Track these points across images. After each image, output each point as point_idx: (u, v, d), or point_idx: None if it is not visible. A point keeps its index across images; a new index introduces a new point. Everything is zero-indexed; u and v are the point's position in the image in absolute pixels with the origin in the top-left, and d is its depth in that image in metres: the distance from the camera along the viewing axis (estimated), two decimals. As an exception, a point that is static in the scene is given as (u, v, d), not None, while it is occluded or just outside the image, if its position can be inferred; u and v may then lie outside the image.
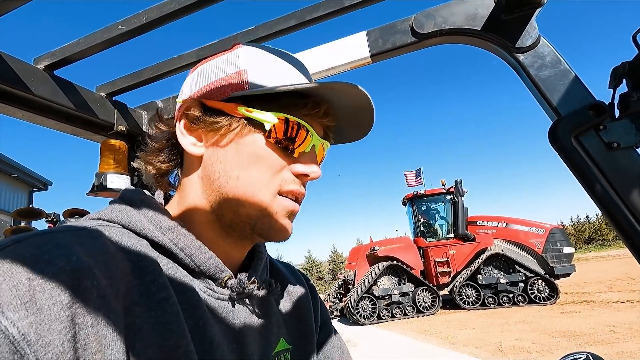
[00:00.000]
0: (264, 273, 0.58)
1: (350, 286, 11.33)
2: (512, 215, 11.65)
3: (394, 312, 10.54)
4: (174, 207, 0.53)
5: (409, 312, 10.56)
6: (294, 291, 0.63)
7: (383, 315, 10.44)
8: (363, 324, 10.15)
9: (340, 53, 1.00)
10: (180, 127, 0.51)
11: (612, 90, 0.75)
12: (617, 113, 0.74)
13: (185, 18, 0.85)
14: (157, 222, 0.46)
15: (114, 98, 1.13)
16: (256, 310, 0.52)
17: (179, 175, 0.56)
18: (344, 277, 12.38)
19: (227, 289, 0.49)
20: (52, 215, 3.35)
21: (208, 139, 0.50)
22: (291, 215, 0.50)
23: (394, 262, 10.89)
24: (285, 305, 0.60)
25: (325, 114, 0.50)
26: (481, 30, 0.86)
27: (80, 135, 1.08)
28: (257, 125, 0.47)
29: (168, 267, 0.45)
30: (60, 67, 0.95)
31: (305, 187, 0.52)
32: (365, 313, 10.35)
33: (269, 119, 0.46)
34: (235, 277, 0.50)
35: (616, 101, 0.75)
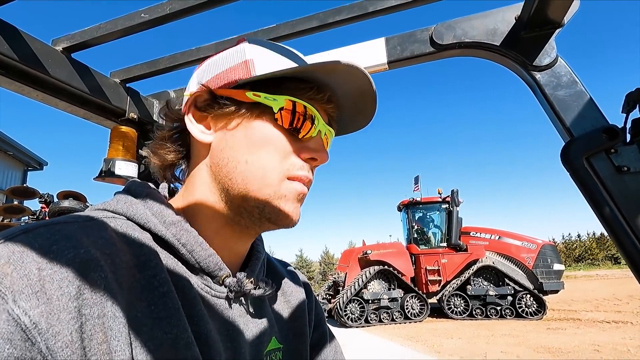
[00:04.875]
0: (261, 272, 0.58)
1: (340, 288, 11.35)
2: (505, 229, 11.74)
3: (381, 316, 10.58)
4: (179, 200, 0.53)
5: (396, 318, 10.60)
6: (290, 290, 0.64)
7: (371, 319, 10.47)
8: (350, 327, 10.17)
9: (357, 57, 1.01)
10: (189, 116, 0.51)
11: (625, 114, 0.77)
12: (628, 137, 0.76)
13: (207, 13, 0.86)
14: (162, 216, 0.46)
15: (127, 85, 1.13)
16: (251, 309, 0.53)
17: (185, 169, 0.57)
18: (335, 278, 12.40)
19: (225, 287, 0.49)
20: (46, 195, 3.33)
21: (217, 126, 0.50)
22: (300, 199, 0.50)
23: (385, 267, 10.92)
24: (279, 304, 0.60)
25: (329, 100, 0.51)
26: (500, 46, 0.87)
27: (91, 119, 1.08)
28: (265, 109, 0.48)
29: (168, 261, 0.45)
30: (78, 50, 0.94)
31: (313, 173, 0.52)
32: (354, 316, 10.37)
33: (277, 102, 0.47)
34: (234, 275, 0.50)
35: (628, 125, 0.76)
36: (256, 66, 0.49)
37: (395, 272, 10.89)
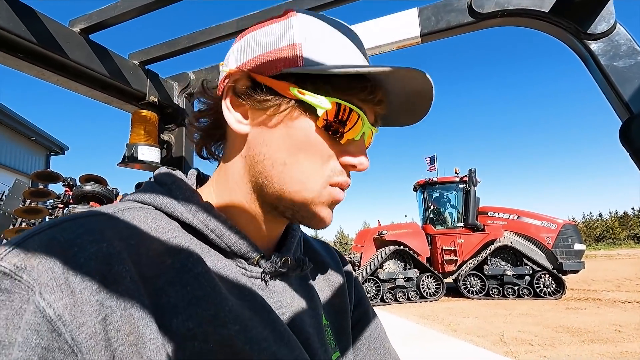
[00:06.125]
0: (298, 251, 0.57)
1: (356, 268, 11.46)
2: (524, 209, 11.51)
3: (397, 295, 10.68)
4: (210, 187, 0.52)
5: (412, 297, 10.68)
6: (328, 269, 0.63)
7: (387, 298, 10.59)
8: (366, 305, 10.33)
9: (388, 31, 0.94)
10: (226, 102, 0.47)
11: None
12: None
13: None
14: (188, 203, 0.46)
15: (146, 67, 1.10)
16: (292, 288, 0.52)
17: (220, 152, 0.55)
18: (350, 258, 12.52)
19: (260, 267, 0.48)
20: (69, 179, 3.44)
21: (254, 118, 0.47)
22: (336, 204, 0.49)
23: (401, 247, 10.93)
24: (320, 282, 0.60)
25: (380, 101, 0.47)
26: (549, 13, 0.79)
27: (112, 104, 1.05)
28: (308, 108, 0.44)
29: (200, 247, 0.45)
30: (96, 31, 0.91)
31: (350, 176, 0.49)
32: (369, 295, 10.49)
33: (323, 104, 0.43)
34: (270, 257, 0.49)
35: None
36: (304, 53, 0.44)
37: (411, 252, 10.89)
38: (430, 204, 12.34)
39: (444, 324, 7.66)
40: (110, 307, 0.33)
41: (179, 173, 0.50)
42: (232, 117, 0.47)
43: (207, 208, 0.46)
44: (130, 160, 1.04)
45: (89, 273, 0.33)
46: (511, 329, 6.89)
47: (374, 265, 10.52)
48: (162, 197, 0.45)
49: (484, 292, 10.54)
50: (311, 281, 0.58)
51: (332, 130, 0.45)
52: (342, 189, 0.48)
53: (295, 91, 0.43)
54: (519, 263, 10.43)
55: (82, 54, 0.89)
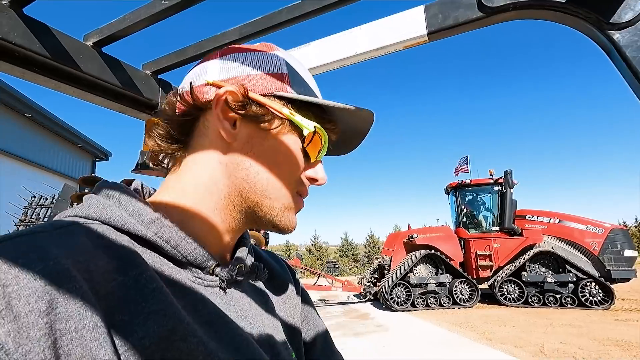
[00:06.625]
0: (251, 258, 0.58)
1: (386, 271, 11.27)
2: (566, 212, 10.82)
3: (429, 301, 10.37)
4: (162, 194, 0.51)
5: (444, 303, 10.33)
6: (278, 274, 0.67)
7: (417, 304, 10.30)
8: (396, 310, 10.11)
9: (393, 30, 0.91)
10: (217, 111, 0.49)
11: None
12: None
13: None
14: (139, 215, 0.44)
15: (158, 76, 1.13)
16: (248, 294, 0.54)
17: (176, 158, 0.53)
18: (380, 262, 12.34)
19: (216, 276, 0.49)
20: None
21: (243, 128, 0.50)
22: (299, 211, 0.56)
23: (432, 251, 10.62)
24: (272, 287, 0.63)
25: (337, 131, 0.57)
26: (566, 3, 0.72)
27: (126, 113, 1.09)
28: (295, 128, 0.51)
29: (154, 260, 0.44)
30: (108, 44, 0.95)
31: None
32: (399, 300, 10.27)
33: (309, 126, 0.51)
34: (226, 264, 0.51)
35: None
36: (291, 82, 0.52)
37: (443, 256, 10.55)
38: (463, 207, 11.91)
39: (478, 332, 7.33)
40: (60, 330, 0.31)
41: (123, 185, 0.50)
42: (223, 125, 0.49)
43: (159, 218, 0.45)
44: (142, 167, 1.07)
45: (35, 294, 0.30)
46: (552, 340, 6.46)
47: (404, 269, 10.28)
48: (110, 210, 0.44)
49: (522, 300, 9.99)
50: (263, 288, 0.60)
51: (308, 148, 0.52)
52: (302, 198, 0.56)
53: (288, 112, 0.50)
54: (561, 270, 9.79)
55: (95, 66, 0.93)
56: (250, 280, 0.55)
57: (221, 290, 0.49)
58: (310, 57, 1.03)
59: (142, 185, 0.55)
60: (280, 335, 0.54)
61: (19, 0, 0.77)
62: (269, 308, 0.57)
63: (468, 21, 0.82)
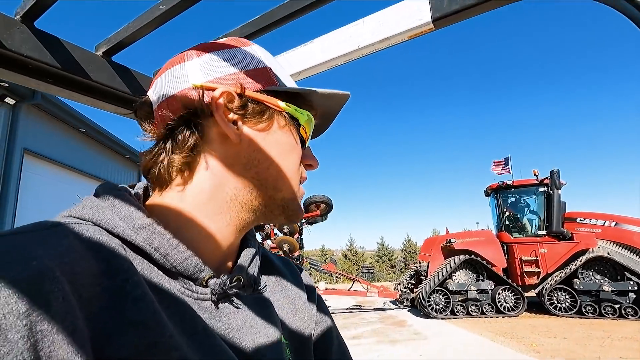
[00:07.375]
0: (255, 267, 0.55)
1: (423, 277, 10.91)
2: (623, 214, 9.88)
3: (469, 309, 9.87)
4: (161, 198, 0.49)
5: (487, 311, 9.79)
6: (288, 284, 0.63)
7: (457, 311, 9.84)
8: (435, 318, 9.73)
9: (396, 20, 0.86)
10: (219, 113, 0.48)
11: None
12: None
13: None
14: (130, 219, 0.43)
15: (169, 82, 1.15)
16: (247, 307, 0.50)
17: (172, 165, 0.50)
18: (417, 267, 11.96)
19: (208, 288, 0.46)
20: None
21: (244, 127, 0.50)
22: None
23: (472, 256, 10.13)
24: (279, 299, 0.59)
25: (317, 116, 0.59)
26: (586, -27, 0.64)
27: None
28: (292, 119, 0.53)
29: (143, 267, 0.42)
30: (116, 52, 0.98)
31: None
32: (438, 307, 9.88)
33: (303, 115, 0.54)
34: (226, 272, 0.50)
35: None
36: (278, 76, 0.54)
37: (484, 262, 10.02)
38: (505, 210, 11.28)
39: (524, 343, 6.85)
40: (41, 332, 0.30)
41: (124, 188, 0.49)
42: (226, 127, 0.48)
43: (151, 224, 0.44)
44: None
45: (15, 295, 0.30)
46: (611, 353, 5.89)
47: (442, 275, 9.89)
48: (103, 212, 0.43)
49: (575, 310, 9.21)
50: (270, 298, 0.56)
51: (304, 136, 0.56)
52: (301, 184, 0.58)
53: (284, 105, 0.52)
54: (619, 277, 8.93)
55: (105, 75, 0.96)
56: (248, 293, 0.52)
57: (212, 304, 0.47)
58: (316, 54, 1.00)
59: (146, 187, 0.54)
60: (277, 354, 0.50)
61: (31, 15, 0.82)
62: (270, 324, 0.52)
63: (476, 3, 0.76)
